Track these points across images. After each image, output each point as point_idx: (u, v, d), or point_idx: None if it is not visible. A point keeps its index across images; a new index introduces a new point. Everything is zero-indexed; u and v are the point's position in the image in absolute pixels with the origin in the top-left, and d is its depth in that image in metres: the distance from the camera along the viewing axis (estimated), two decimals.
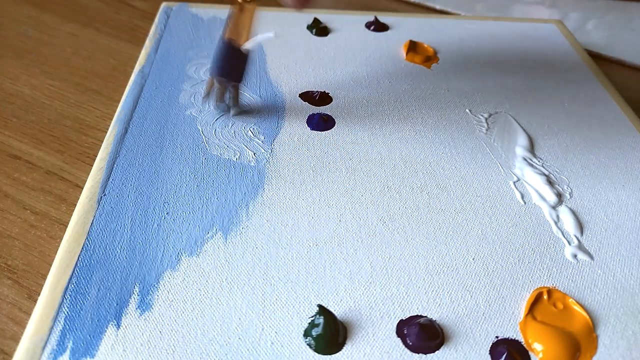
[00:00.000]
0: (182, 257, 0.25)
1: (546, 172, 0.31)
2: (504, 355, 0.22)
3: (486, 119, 0.35)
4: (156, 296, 0.23)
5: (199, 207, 0.27)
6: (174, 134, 0.32)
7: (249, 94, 0.36)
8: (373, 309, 0.24)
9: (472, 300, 0.24)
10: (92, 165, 0.30)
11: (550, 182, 0.31)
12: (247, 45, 0.32)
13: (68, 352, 0.21)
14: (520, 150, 0.33)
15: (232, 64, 0.32)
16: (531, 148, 0.33)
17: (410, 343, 0.22)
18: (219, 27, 0.43)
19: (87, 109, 0.39)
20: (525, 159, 0.32)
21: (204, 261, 0.25)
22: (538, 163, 0.32)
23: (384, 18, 0.46)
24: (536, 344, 0.23)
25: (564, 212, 0.29)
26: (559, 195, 0.30)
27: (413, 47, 0.42)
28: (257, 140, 0.32)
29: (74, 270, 0.24)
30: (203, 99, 0.34)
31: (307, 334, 0.22)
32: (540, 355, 0.22)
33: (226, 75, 0.33)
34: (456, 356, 0.22)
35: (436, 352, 0.22)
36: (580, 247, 0.27)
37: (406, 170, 0.31)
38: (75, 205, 0.27)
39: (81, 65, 0.43)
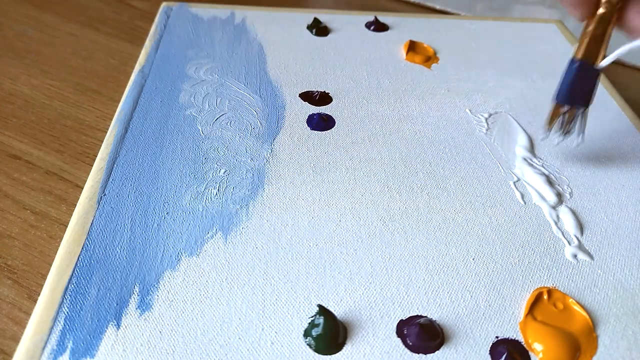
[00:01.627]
0: (182, 257, 0.25)
1: (546, 172, 0.31)
2: (504, 355, 0.22)
3: (486, 119, 0.35)
4: (156, 296, 0.23)
5: (199, 207, 0.27)
6: (174, 134, 0.32)
7: (249, 94, 0.36)
8: (373, 309, 0.24)
9: (472, 300, 0.24)
10: (92, 165, 0.30)
11: (550, 182, 0.31)
12: (604, 63, 0.28)
13: (68, 352, 0.21)
14: (520, 150, 0.33)
15: (584, 88, 0.29)
16: (531, 148, 0.33)
17: (410, 343, 0.22)
18: (219, 27, 0.43)
19: (87, 109, 0.39)
20: (525, 159, 0.32)
21: (204, 261, 0.25)
22: (538, 163, 0.32)
23: (384, 18, 0.46)
24: (536, 344, 0.23)
25: (564, 212, 0.29)
26: (559, 195, 0.30)
27: (413, 47, 0.42)
28: (257, 141, 0.32)
29: (74, 270, 0.24)
30: (546, 128, 0.31)
31: (307, 334, 0.22)
32: (540, 355, 0.22)
33: (579, 102, 0.29)
34: (456, 356, 0.22)
35: (436, 352, 0.22)
36: (580, 247, 0.27)
37: (406, 170, 0.31)
38: (75, 205, 0.27)
39: (81, 65, 0.43)
